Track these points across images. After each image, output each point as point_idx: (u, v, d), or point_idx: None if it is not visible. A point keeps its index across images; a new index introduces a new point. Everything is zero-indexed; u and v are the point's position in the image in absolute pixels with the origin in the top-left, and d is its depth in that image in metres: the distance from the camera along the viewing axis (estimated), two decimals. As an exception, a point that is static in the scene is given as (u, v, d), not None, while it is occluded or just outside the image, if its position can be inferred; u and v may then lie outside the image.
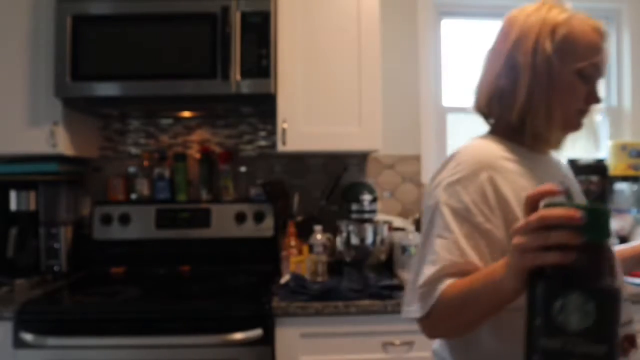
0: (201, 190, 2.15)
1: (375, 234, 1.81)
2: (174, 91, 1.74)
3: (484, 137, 0.95)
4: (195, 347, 1.46)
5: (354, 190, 1.87)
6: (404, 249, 1.78)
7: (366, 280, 1.65)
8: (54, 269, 1.90)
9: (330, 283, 1.61)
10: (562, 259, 0.55)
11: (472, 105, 0.99)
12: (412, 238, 1.77)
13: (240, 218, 2.05)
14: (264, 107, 1.93)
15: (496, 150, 0.87)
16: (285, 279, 1.70)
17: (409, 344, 1.55)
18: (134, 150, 2.23)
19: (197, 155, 2.21)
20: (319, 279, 1.72)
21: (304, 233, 1.89)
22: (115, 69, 1.73)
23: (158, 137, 2.24)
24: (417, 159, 2.32)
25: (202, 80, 1.73)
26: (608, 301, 0.55)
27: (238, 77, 1.74)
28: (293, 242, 1.85)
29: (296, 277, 1.66)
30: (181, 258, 2.03)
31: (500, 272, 0.65)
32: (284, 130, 1.85)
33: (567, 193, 0.84)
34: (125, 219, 2.03)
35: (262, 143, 2.26)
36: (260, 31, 1.74)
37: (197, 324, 1.47)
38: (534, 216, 0.58)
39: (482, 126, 1.01)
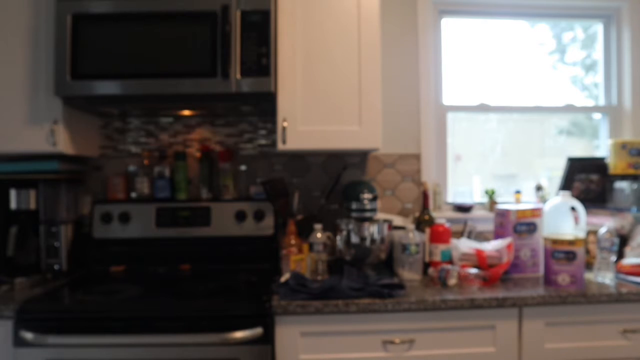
0: (201, 188, 2.15)
1: (375, 232, 1.81)
2: (174, 90, 1.74)
3: None
4: (195, 346, 1.46)
5: (354, 189, 1.87)
6: (404, 248, 1.78)
7: (366, 279, 1.65)
8: (54, 268, 1.90)
9: (330, 282, 1.61)
10: None
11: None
12: (412, 237, 1.77)
13: (241, 217, 2.05)
14: (264, 105, 1.93)
15: None
16: (285, 277, 1.70)
17: (409, 342, 1.56)
18: (134, 149, 2.24)
19: (197, 154, 2.21)
20: (319, 277, 1.72)
21: (304, 231, 1.89)
22: (115, 68, 1.73)
23: (158, 136, 2.24)
24: (417, 157, 2.32)
25: (202, 78, 1.73)
26: None
27: (238, 75, 1.74)
28: (293, 241, 1.85)
29: (296, 276, 1.66)
30: (181, 257, 2.03)
31: None
32: (284, 129, 1.85)
33: None
34: (125, 218, 2.03)
35: (262, 142, 2.26)
36: (260, 30, 1.74)
37: (197, 322, 1.47)
38: None
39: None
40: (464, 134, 2.48)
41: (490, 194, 2.36)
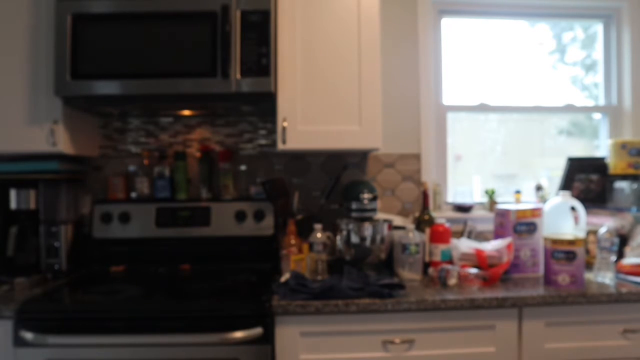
0: (201, 188, 2.15)
1: (375, 232, 1.81)
2: (174, 90, 1.74)
3: None
4: (195, 346, 1.46)
5: (354, 189, 1.87)
6: (404, 248, 1.78)
7: (366, 279, 1.65)
8: (54, 268, 1.90)
9: (330, 281, 1.61)
10: None
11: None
12: (412, 237, 1.77)
13: (240, 216, 2.05)
14: (264, 105, 1.93)
15: None
16: (285, 277, 1.70)
17: (409, 342, 1.55)
18: (134, 148, 2.24)
19: (197, 154, 2.21)
20: (319, 277, 1.72)
21: (304, 231, 1.89)
22: (115, 68, 1.73)
23: (158, 136, 2.24)
24: (417, 157, 2.32)
25: (202, 78, 1.73)
26: None
27: (238, 75, 1.74)
28: (293, 241, 1.85)
29: (296, 276, 1.66)
30: (181, 257, 2.03)
31: None
32: (284, 129, 1.85)
33: None
34: (125, 218, 2.03)
35: (262, 141, 2.26)
36: (260, 30, 1.74)
37: (197, 322, 1.47)
38: None
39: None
40: (464, 134, 2.48)
41: (490, 194, 2.36)
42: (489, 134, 2.51)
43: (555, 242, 1.66)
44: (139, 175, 2.15)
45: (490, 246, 1.82)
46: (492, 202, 2.33)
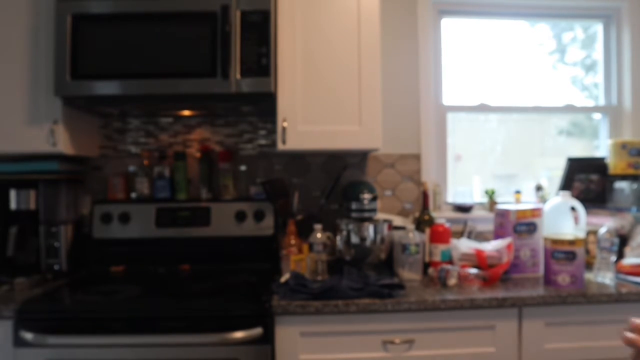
0: (201, 189, 2.15)
1: (375, 232, 1.81)
2: (174, 90, 1.74)
3: None
4: (195, 346, 1.46)
5: (353, 189, 1.87)
6: (404, 248, 1.78)
7: (366, 279, 1.65)
8: (54, 268, 1.90)
9: (330, 282, 1.61)
10: None
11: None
12: (412, 237, 1.77)
13: (240, 217, 2.05)
14: (264, 105, 1.93)
15: None
16: (285, 277, 1.70)
17: (409, 343, 1.55)
18: (134, 149, 2.24)
19: (197, 154, 2.21)
20: (319, 277, 1.72)
21: (304, 232, 1.89)
22: (115, 68, 1.73)
23: (158, 136, 2.24)
24: (417, 157, 2.32)
25: (202, 79, 1.73)
26: None
27: (238, 76, 1.74)
28: (293, 241, 1.85)
29: (296, 276, 1.66)
30: (181, 257, 2.03)
31: None
32: (283, 129, 1.85)
33: None
34: (125, 218, 2.03)
35: (262, 142, 2.26)
36: (260, 30, 1.74)
37: (197, 322, 1.47)
38: None
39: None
40: (464, 134, 2.48)
41: (490, 194, 2.36)
42: (489, 134, 2.51)
43: (555, 242, 1.66)
44: (139, 176, 2.15)
45: (490, 246, 1.82)
46: (492, 202, 2.33)
